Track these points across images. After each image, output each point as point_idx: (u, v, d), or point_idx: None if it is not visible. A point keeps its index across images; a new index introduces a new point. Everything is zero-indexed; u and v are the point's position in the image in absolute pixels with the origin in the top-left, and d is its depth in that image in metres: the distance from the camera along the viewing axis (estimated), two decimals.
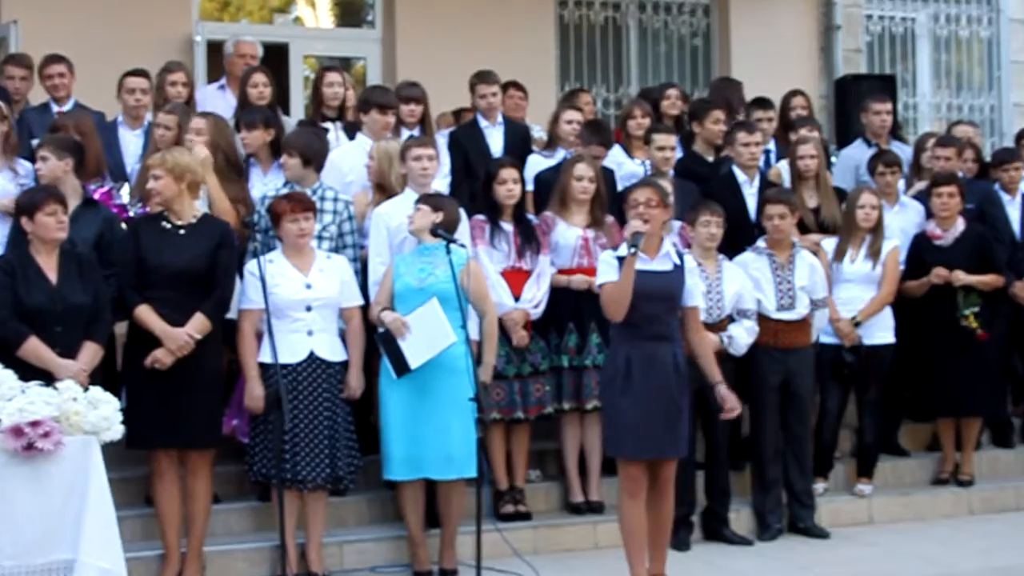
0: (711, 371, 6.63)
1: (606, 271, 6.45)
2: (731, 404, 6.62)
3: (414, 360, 6.75)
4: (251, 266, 6.82)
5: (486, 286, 7.15)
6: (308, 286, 6.86)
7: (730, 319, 7.71)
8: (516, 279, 7.59)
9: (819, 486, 8.33)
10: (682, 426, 6.54)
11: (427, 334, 6.75)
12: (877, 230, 8.32)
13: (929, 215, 8.77)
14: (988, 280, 8.58)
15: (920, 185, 9.16)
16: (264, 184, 7.76)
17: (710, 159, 9.10)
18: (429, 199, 7.09)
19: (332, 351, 6.91)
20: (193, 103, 8.69)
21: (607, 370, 6.63)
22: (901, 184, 9.21)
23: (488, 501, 7.27)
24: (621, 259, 6.38)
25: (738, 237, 8.10)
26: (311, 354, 6.82)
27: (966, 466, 8.81)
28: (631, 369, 6.40)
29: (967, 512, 8.64)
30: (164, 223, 6.70)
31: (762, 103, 9.72)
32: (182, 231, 6.68)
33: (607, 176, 8.25)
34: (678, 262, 6.55)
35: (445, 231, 6.87)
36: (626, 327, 6.43)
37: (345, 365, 6.94)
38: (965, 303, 8.49)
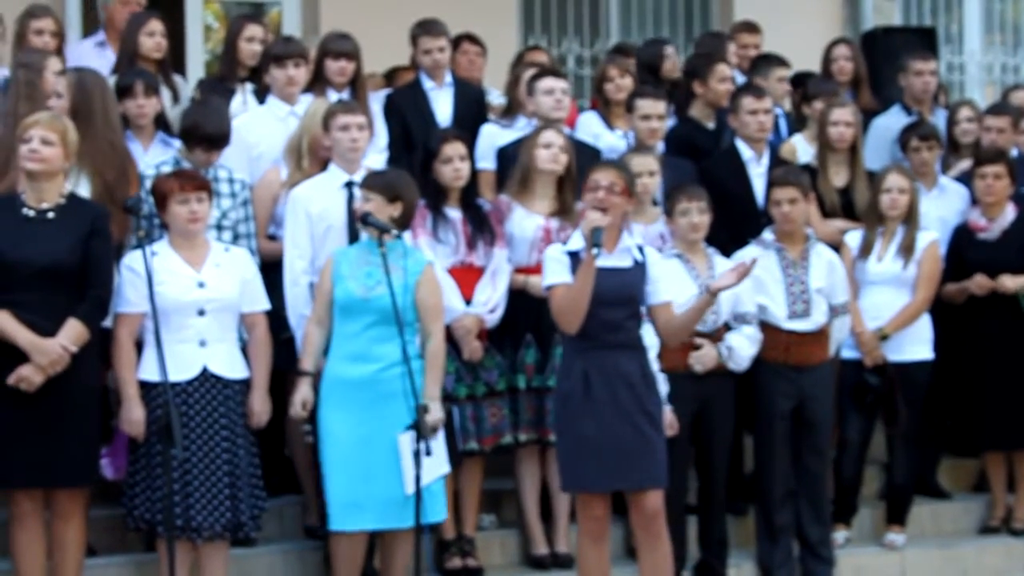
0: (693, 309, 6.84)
1: (555, 270, 6.59)
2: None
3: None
4: (131, 259, 6.81)
5: (442, 301, 7.15)
6: (201, 285, 6.85)
7: (727, 327, 7.77)
8: (466, 278, 7.62)
9: (839, 535, 8.39)
10: (657, 448, 6.71)
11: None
12: (910, 220, 8.35)
13: (974, 201, 8.83)
14: None
15: (963, 165, 9.24)
16: (144, 163, 7.70)
17: (711, 126, 9.16)
18: (380, 181, 7.00)
19: (231, 366, 6.91)
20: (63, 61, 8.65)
21: (560, 390, 6.79)
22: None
23: (429, 553, 7.29)
24: (572, 254, 6.50)
25: (743, 227, 8.18)
26: (204, 370, 6.82)
27: (1021, 511, 8.88)
28: (591, 385, 6.58)
29: (1022, 568, 8.70)
30: (24, 208, 6.65)
31: (770, 60, 9.77)
32: (50, 215, 6.65)
33: (590, 155, 8.18)
34: (639, 257, 6.71)
35: (389, 221, 6.86)
36: (580, 337, 6.59)
37: (247, 384, 6.96)
38: None
